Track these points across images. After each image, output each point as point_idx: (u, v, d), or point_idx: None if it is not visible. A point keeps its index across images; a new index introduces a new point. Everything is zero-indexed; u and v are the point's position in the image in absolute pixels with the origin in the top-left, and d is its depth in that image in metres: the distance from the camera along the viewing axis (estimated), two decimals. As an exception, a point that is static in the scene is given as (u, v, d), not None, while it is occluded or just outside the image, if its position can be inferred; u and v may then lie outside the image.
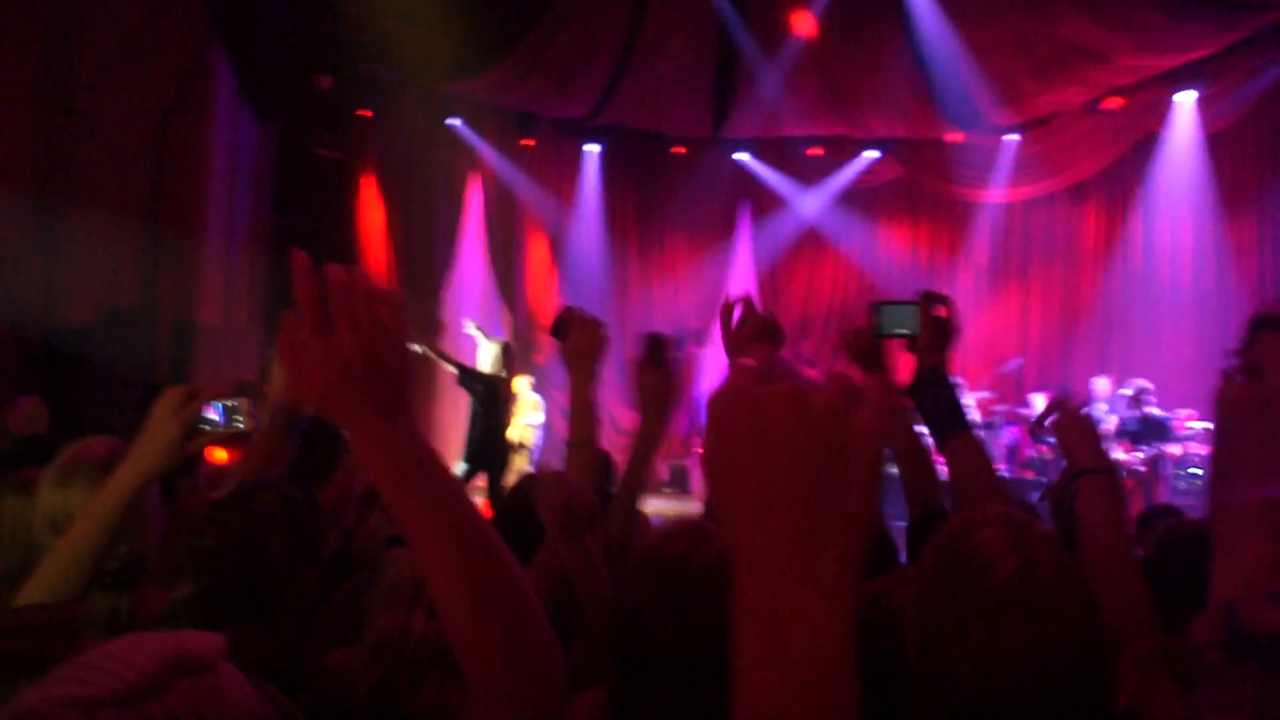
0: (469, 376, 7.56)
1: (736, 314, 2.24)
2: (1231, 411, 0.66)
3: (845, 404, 0.65)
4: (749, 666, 0.63)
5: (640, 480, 2.18)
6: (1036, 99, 10.89)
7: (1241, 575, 0.63)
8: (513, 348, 7.97)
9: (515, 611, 0.98)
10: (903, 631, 1.26)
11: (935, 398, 1.99)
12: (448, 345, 11.71)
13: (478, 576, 0.96)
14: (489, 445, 7.28)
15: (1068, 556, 1.28)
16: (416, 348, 7.84)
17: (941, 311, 2.04)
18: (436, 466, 0.98)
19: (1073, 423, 1.84)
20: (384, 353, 0.94)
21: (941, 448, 1.99)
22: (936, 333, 2.03)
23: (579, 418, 2.11)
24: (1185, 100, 10.72)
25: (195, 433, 1.81)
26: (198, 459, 2.45)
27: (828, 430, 0.64)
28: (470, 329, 8.50)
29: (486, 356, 7.75)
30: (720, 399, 0.67)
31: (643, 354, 2.20)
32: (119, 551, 1.77)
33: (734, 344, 2.14)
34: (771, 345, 2.11)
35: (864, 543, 0.65)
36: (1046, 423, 1.88)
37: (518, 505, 2.43)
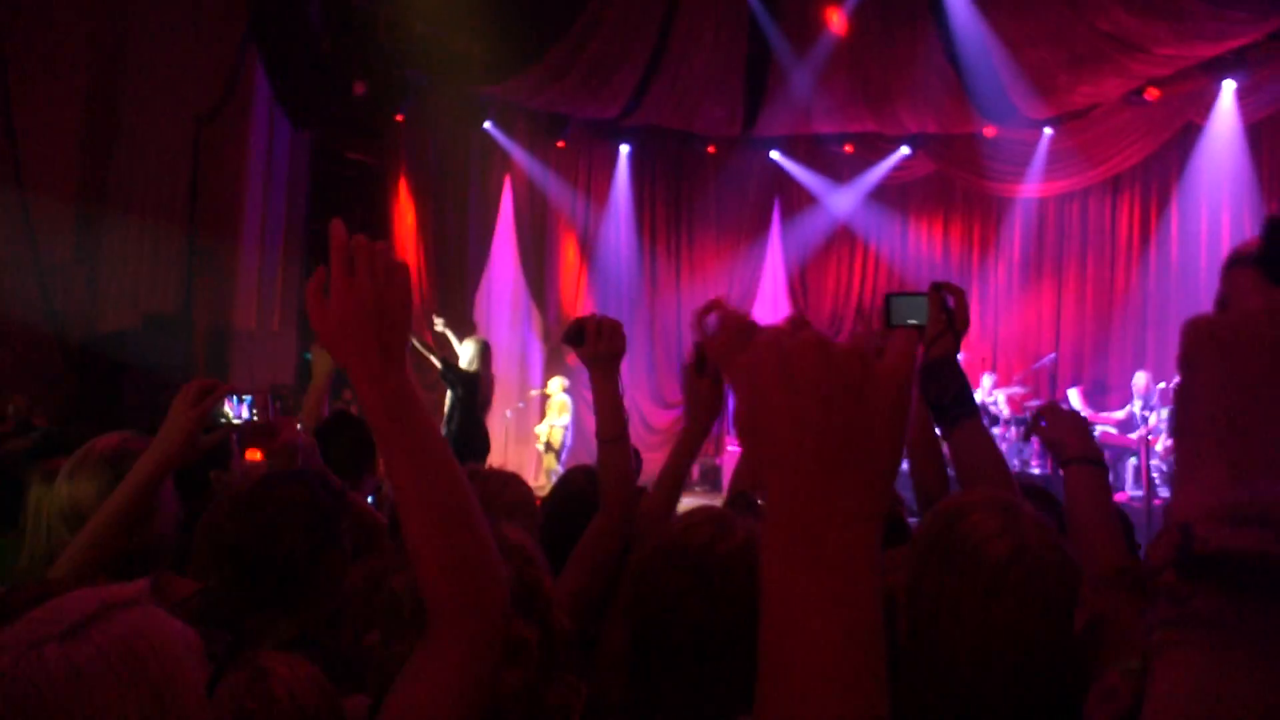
0: (450, 371, 7.66)
1: (711, 320, 2.20)
2: (1192, 343, 0.69)
3: (868, 350, 0.69)
4: (778, 592, 0.67)
5: (681, 477, 2.25)
6: (1073, 91, 10.75)
7: (1198, 498, 0.65)
8: (490, 346, 8.06)
9: (471, 541, 1.12)
10: (893, 613, 1.28)
11: (942, 386, 1.99)
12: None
13: (443, 506, 1.11)
14: (465, 441, 7.35)
15: (1058, 539, 1.31)
16: (413, 340, 7.91)
17: (951, 302, 2.06)
18: (419, 408, 1.13)
19: (1062, 417, 1.89)
20: (392, 303, 1.12)
21: (948, 436, 2.00)
22: (946, 323, 2.04)
23: (608, 414, 2.15)
24: (1225, 90, 10.54)
25: (215, 426, 1.87)
26: (228, 452, 2.51)
27: (850, 370, 0.68)
28: (439, 327, 8.57)
29: (465, 354, 7.84)
30: (751, 349, 0.71)
31: (693, 360, 2.24)
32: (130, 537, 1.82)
33: (714, 351, 2.07)
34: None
35: (889, 475, 0.69)
36: (1042, 423, 1.92)
37: (567, 499, 2.48)
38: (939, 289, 2.08)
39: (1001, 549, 1.23)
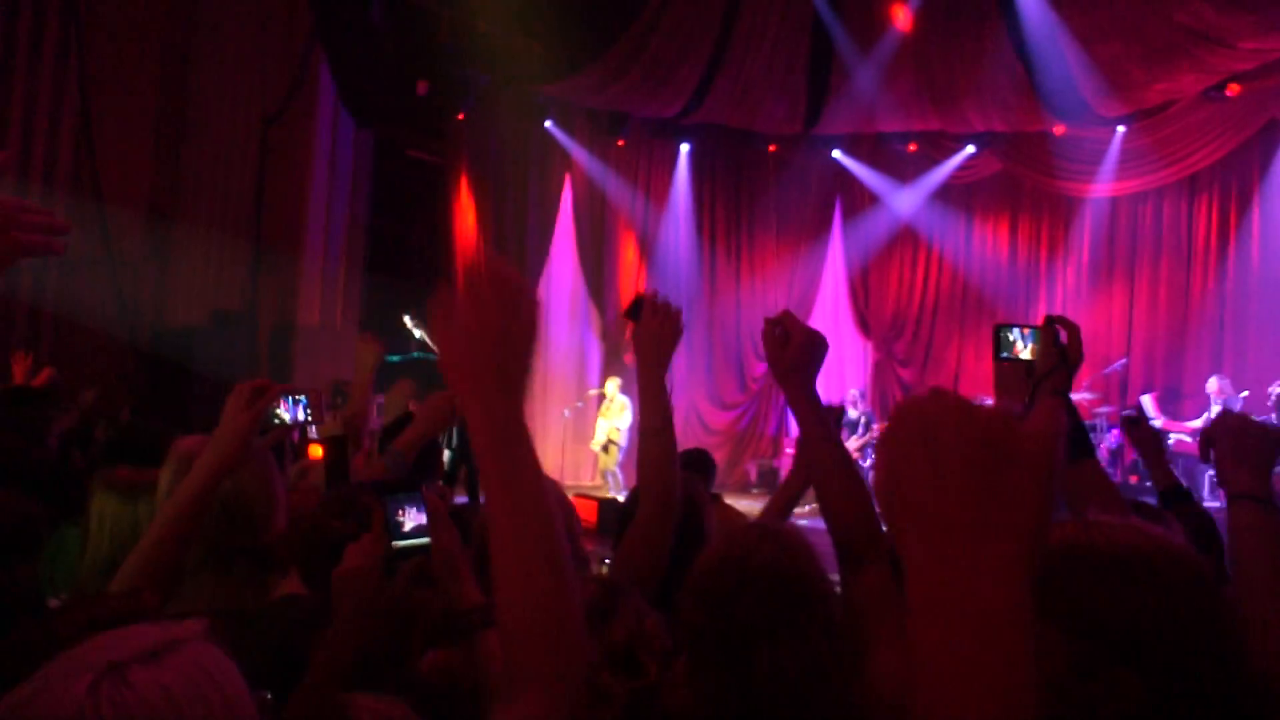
0: None
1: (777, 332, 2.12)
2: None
3: (1011, 412, 0.71)
4: (931, 652, 0.67)
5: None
6: (1148, 88, 10.41)
7: None
8: None
9: (558, 599, 1.07)
10: None
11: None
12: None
13: (533, 549, 1.07)
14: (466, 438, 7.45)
15: (1207, 582, 1.18)
16: (416, 331, 8.06)
17: (1064, 336, 1.96)
18: (527, 445, 1.09)
19: (1248, 441, 1.72)
20: (517, 330, 1.08)
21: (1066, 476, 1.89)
22: (1059, 358, 1.94)
23: (650, 403, 2.05)
24: (1311, 85, 10.14)
25: (269, 426, 1.86)
26: (283, 452, 2.51)
27: (994, 432, 0.68)
28: (410, 324, 8.63)
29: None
30: (894, 416, 0.73)
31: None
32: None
33: (783, 365, 1.98)
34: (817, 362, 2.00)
35: (1038, 535, 0.69)
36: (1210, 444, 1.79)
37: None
38: (1052, 323, 1.98)
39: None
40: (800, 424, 1.88)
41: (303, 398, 2.06)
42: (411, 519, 1.74)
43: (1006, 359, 2.02)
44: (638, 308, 2.09)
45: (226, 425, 1.79)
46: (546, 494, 1.10)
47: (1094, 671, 1.08)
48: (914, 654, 0.68)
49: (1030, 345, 1.99)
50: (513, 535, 1.07)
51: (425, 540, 1.74)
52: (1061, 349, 1.95)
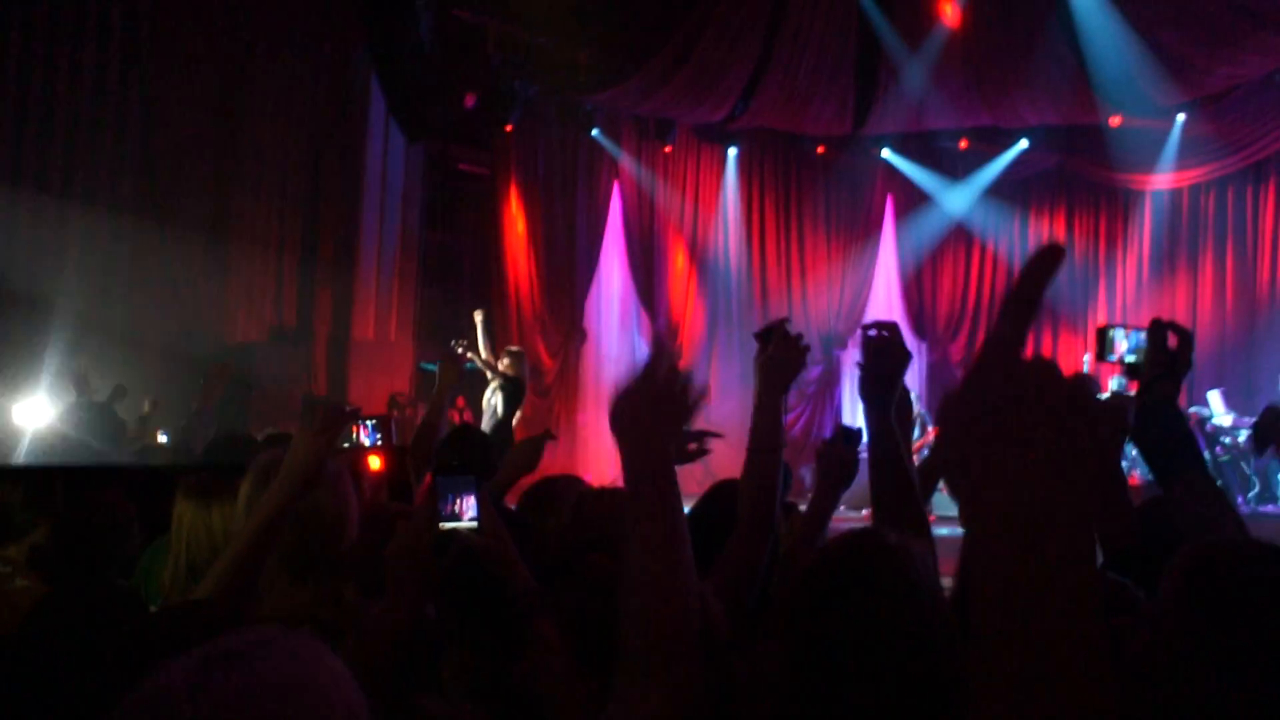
0: (504, 379, 8.10)
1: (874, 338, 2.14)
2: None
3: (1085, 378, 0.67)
4: (996, 632, 0.65)
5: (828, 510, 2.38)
6: (1209, 74, 10.14)
7: None
8: (524, 355, 8.63)
9: (680, 622, 1.28)
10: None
11: (1163, 431, 1.82)
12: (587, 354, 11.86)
13: (664, 582, 1.28)
14: (504, 437, 7.55)
15: None
16: (460, 349, 8.31)
17: (1174, 341, 1.88)
18: (672, 488, 1.33)
19: None
20: (675, 401, 1.37)
21: (1165, 484, 1.82)
22: (1167, 364, 1.86)
23: (764, 425, 2.11)
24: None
25: (338, 451, 1.89)
26: (356, 468, 2.53)
27: (1072, 386, 0.67)
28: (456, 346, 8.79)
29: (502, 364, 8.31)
30: (974, 368, 0.70)
31: (834, 437, 2.40)
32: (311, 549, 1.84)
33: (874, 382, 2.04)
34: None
35: (1097, 485, 0.67)
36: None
37: (713, 507, 2.47)
38: (1162, 327, 1.90)
39: None
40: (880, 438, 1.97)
41: (371, 420, 2.09)
42: (463, 503, 1.74)
43: (1110, 360, 1.96)
44: (769, 334, 2.16)
45: (301, 447, 1.81)
46: (685, 541, 1.32)
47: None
48: (979, 603, 0.65)
49: (1136, 348, 1.92)
50: (645, 565, 1.28)
51: (474, 524, 1.74)
52: (1170, 354, 1.87)
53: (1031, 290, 0.74)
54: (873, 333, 2.02)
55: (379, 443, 2.11)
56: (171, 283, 8.44)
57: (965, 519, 0.68)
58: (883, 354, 1.95)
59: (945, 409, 0.69)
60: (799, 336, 2.15)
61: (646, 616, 1.26)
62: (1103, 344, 1.98)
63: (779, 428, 2.11)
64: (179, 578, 1.95)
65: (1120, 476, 1.99)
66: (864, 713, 1.32)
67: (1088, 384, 0.66)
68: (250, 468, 2.03)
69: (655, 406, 1.34)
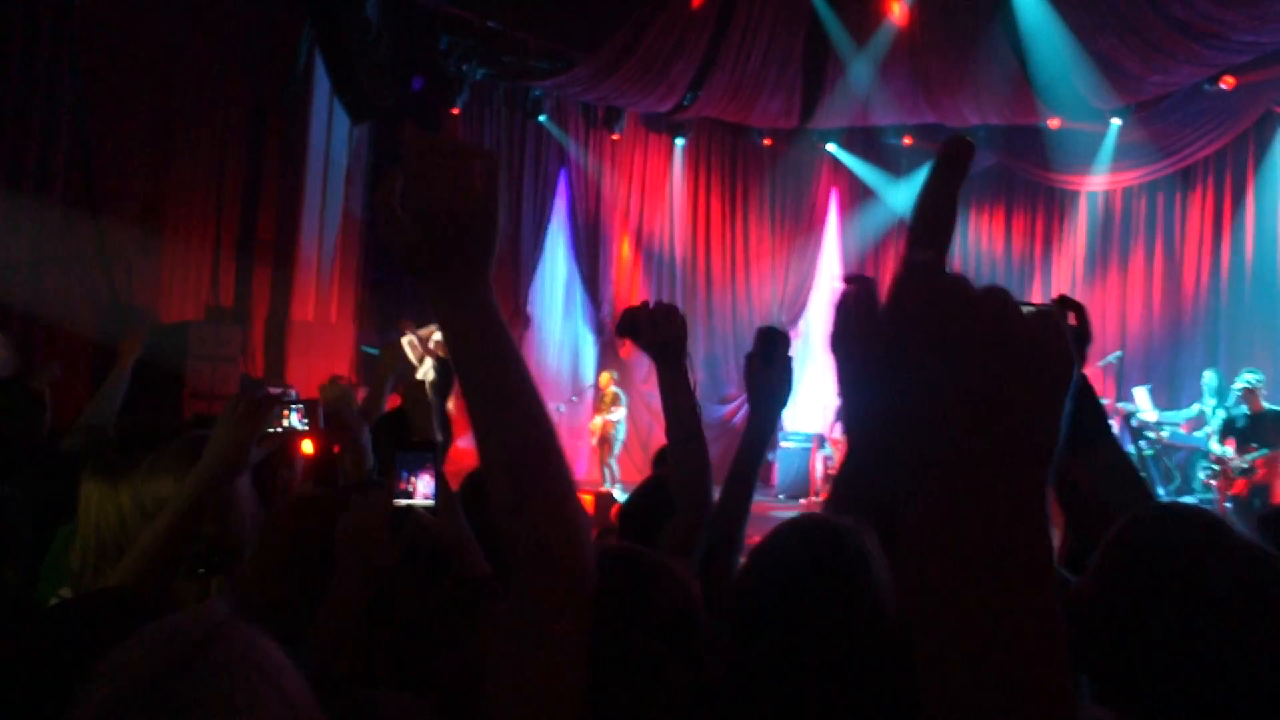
0: (439, 361, 8.25)
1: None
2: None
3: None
4: (940, 543, 0.56)
5: (752, 477, 2.13)
6: (1143, 81, 10.41)
7: None
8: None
9: (554, 479, 1.01)
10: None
11: (1076, 405, 1.84)
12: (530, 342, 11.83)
13: (521, 440, 1.01)
14: (444, 423, 7.62)
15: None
16: (406, 339, 8.51)
17: (1073, 319, 1.89)
18: (500, 326, 1.03)
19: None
20: (472, 209, 1.00)
21: (1086, 457, 1.80)
22: (1074, 338, 1.87)
23: (673, 411, 2.03)
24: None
25: (265, 436, 1.85)
26: (290, 452, 2.50)
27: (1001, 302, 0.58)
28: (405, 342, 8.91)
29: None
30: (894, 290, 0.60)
31: (756, 349, 2.11)
32: (204, 533, 1.80)
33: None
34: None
35: (1052, 419, 0.58)
36: None
37: (648, 499, 2.40)
38: (1064, 305, 1.90)
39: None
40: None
41: (300, 406, 2.06)
42: (419, 481, 1.72)
43: None
44: (633, 324, 2.03)
45: (222, 437, 1.76)
46: (531, 381, 1.03)
47: None
48: (915, 582, 0.56)
49: None
50: (498, 421, 1.01)
51: (431, 503, 1.71)
52: (1072, 330, 1.87)
53: (943, 199, 0.63)
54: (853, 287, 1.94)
55: (307, 428, 2.09)
56: (103, 260, 8.25)
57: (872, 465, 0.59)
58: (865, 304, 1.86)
59: (846, 341, 0.61)
60: (663, 309, 2.05)
61: (510, 497, 1.01)
62: None
63: (689, 413, 2.04)
64: (88, 561, 1.92)
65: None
66: (822, 706, 1.34)
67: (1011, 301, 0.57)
68: (168, 447, 1.99)
69: (444, 209, 0.99)
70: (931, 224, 0.62)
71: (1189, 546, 1.18)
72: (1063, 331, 0.58)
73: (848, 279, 2.01)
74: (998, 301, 0.57)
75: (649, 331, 2.03)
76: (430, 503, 1.73)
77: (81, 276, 8.05)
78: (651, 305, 2.07)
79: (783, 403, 2.15)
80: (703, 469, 2.04)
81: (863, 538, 1.44)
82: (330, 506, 1.81)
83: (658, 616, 1.32)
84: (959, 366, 0.55)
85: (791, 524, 1.51)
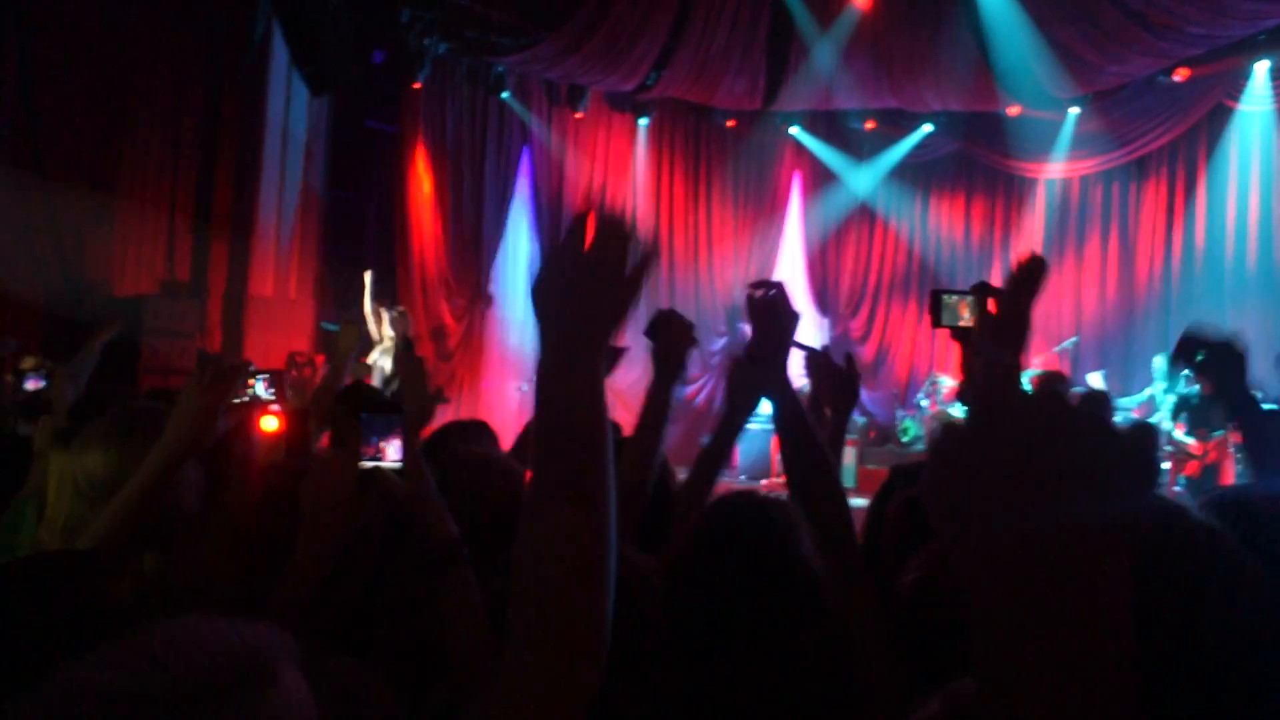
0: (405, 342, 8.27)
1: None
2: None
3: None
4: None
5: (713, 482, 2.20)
6: (1100, 71, 10.56)
7: None
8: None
9: (595, 579, 0.98)
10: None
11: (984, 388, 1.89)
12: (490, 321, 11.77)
13: (588, 517, 0.98)
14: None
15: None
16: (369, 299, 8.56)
17: (993, 306, 1.92)
18: (605, 414, 1.03)
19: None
20: (630, 285, 1.06)
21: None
22: (994, 326, 1.87)
23: (655, 409, 2.17)
24: (1258, 71, 10.35)
25: (231, 406, 1.84)
26: (247, 426, 2.48)
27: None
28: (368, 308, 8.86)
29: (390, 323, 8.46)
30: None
31: (817, 353, 2.34)
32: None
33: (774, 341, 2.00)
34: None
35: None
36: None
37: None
38: (984, 290, 1.97)
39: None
40: (790, 409, 1.89)
41: (266, 375, 2.06)
42: (387, 445, 1.72)
43: (943, 325, 2.01)
44: (658, 326, 2.19)
45: (187, 406, 1.76)
46: (607, 447, 1.02)
47: None
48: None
49: (967, 312, 1.99)
50: (561, 484, 0.99)
51: (397, 464, 1.71)
52: (993, 318, 1.90)
53: (1020, 308, 0.70)
54: (759, 292, 1.95)
55: (273, 397, 2.08)
56: (53, 233, 8.07)
57: (962, 558, 0.64)
58: (772, 313, 1.89)
59: (946, 444, 0.65)
60: (687, 324, 2.21)
61: (551, 572, 0.96)
62: (937, 310, 2.01)
63: (666, 417, 2.17)
64: (54, 531, 1.91)
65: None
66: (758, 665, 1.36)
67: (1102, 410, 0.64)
68: (97, 421, 1.96)
69: (594, 279, 1.04)
70: (1014, 330, 0.70)
71: (1192, 564, 1.15)
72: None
73: (754, 285, 2.02)
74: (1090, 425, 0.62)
75: (664, 340, 2.17)
76: (397, 464, 1.72)
77: (29, 247, 7.87)
78: (675, 316, 2.24)
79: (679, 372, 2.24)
80: (651, 456, 2.13)
81: (789, 510, 1.50)
82: (300, 473, 1.80)
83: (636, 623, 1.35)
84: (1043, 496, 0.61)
85: (721, 500, 1.59)
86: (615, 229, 1.05)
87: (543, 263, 1.08)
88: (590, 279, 1.03)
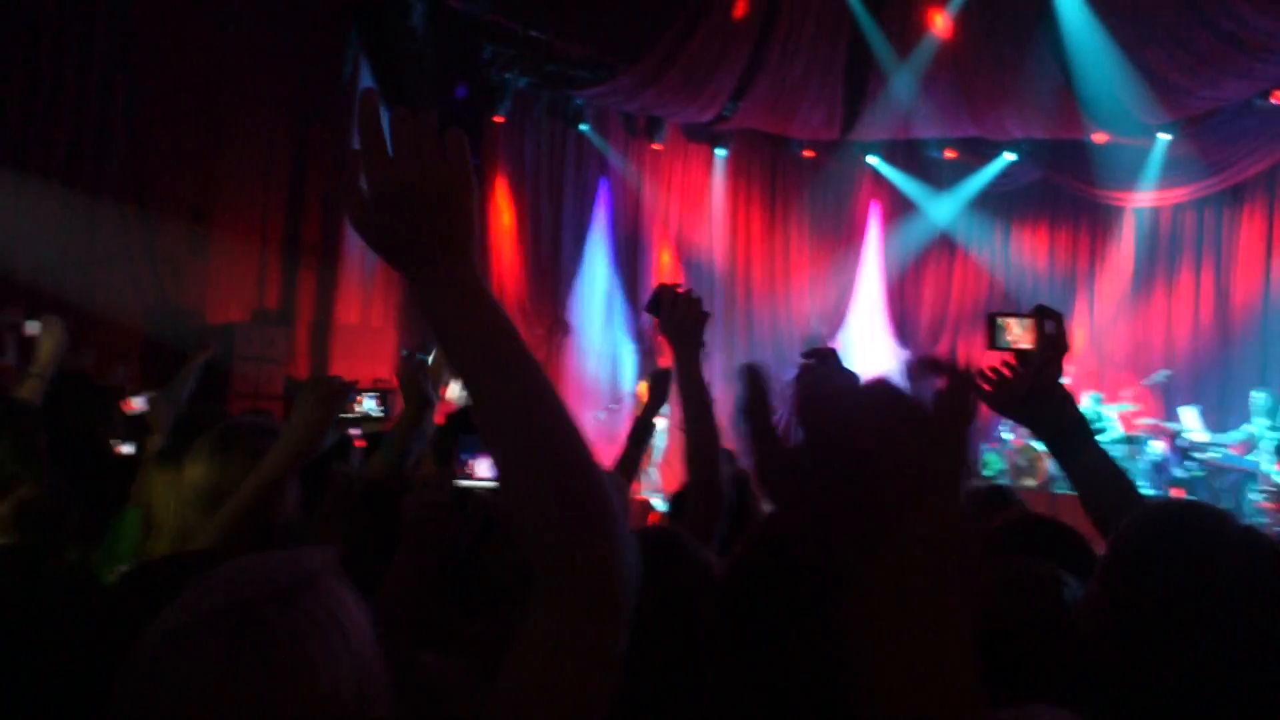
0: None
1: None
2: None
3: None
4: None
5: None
6: (1192, 95, 10.27)
7: None
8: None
9: (567, 451, 0.92)
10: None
11: (1058, 414, 1.89)
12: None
13: (524, 415, 0.92)
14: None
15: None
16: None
17: (1050, 327, 1.97)
18: (503, 315, 0.95)
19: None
20: (444, 182, 0.94)
21: (1071, 463, 1.87)
22: (1050, 347, 1.94)
23: (689, 399, 2.10)
24: (1361, 93, 9.97)
25: (340, 421, 1.89)
26: (349, 445, 2.55)
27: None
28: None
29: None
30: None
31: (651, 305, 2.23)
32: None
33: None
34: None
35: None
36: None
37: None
38: (1042, 313, 1.99)
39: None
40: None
41: (377, 394, 2.13)
42: (477, 463, 1.75)
43: (1001, 347, 2.02)
44: (659, 301, 2.13)
45: (302, 417, 1.83)
46: (528, 355, 0.95)
47: None
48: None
49: (1025, 334, 2.00)
50: (499, 401, 0.92)
51: (491, 483, 1.75)
52: (1049, 339, 1.95)
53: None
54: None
55: (383, 414, 2.14)
56: (151, 260, 8.42)
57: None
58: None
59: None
60: (687, 293, 2.16)
61: (522, 482, 0.93)
62: (992, 332, 2.03)
63: (700, 396, 2.10)
64: (163, 539, 1.98)
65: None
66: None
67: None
68: (202, 439, 2.03)
69: (417, 196, 0.94)
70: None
71: (1195, 538, 1.20)
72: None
73: (807, 354, 2.09)
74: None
75: (669, 314, 2.12)
76: (492, 483, 1.76)
77: (132, 275, 8.21)
78: (677, 287, 2.19)
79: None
80: (711, 448, 2.09)
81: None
82: (395, 492, 1.86)
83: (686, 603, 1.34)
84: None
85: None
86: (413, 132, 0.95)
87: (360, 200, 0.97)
88: (400, 185, 0.93)
